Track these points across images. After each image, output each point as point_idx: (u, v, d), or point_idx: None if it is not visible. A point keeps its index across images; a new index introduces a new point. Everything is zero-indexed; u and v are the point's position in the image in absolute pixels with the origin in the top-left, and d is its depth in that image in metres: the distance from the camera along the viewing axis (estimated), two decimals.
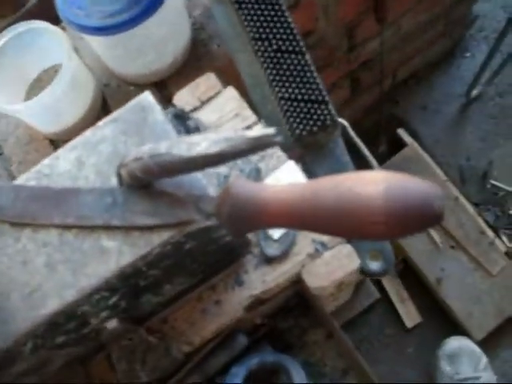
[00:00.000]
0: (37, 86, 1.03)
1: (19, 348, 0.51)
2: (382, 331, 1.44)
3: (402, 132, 1.50)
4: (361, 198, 0.41)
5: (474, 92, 1.50)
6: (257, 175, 0.66)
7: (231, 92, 0.70)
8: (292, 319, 0.71)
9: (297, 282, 0.64)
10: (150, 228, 0.48)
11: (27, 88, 1.03)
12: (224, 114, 0.68)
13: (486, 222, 1.41)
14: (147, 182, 0.48)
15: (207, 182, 0.48)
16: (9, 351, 0.50)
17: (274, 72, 0.69)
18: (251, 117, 0.68)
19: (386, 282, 1.44)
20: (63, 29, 0.90)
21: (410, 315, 1.45)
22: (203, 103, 0.70)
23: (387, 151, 1.50)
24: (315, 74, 0.69)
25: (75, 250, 0.49)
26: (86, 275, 0.49)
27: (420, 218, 0.40)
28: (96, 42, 0.92)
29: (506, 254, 1.38)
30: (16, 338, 0.49)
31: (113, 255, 0.48)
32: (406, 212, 0.40)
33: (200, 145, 0.43)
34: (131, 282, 0.52)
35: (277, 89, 0.69)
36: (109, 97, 0.87)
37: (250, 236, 0.63)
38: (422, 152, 1.48)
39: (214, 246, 0.56)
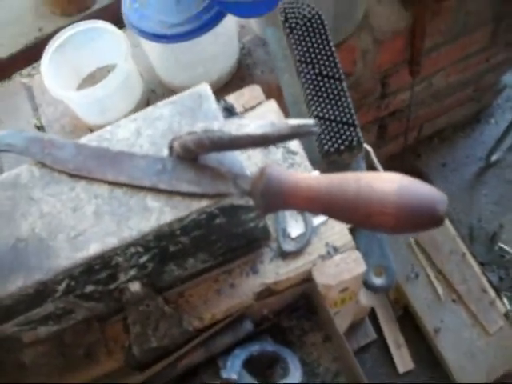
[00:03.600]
0: (89, 82, 1.12)
1: (54, 286, 0.57)
2: (374, 371, 1.47)
3: None
4: (377, 192, 0.48)
5: (494, 157, 1.57)
6: None
7: (272, 104, 0.77)
8: (295, 319, 0.77)
9: (306, 280, 0.70)
10: (191, 195, 0.55)
11: (80, 82, 1.11)
12: None
13: (490, 281, 1.46)
14: (195, 155, 0.55)
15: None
16: (45, 285, 0.56)
17: (313, 93, 0.77)
18: None
19: (384, 325, 1.48)
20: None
21: (403, 360, 1.48)
22: (246, 110, 0.77)
23: None
24: (349, 100, 0.77)
25: (122, 205, 0.56)
26: (128, 227, 0.55)
27: (425, 216, 0.47)
28: (152, 49, 1.01)
29: (505, 315, 1.42)
30: (56, 273, 0.55)
31: (154, 213, 0.55)
32: (413, 209, 0.47)
33: (248, 126, 0.50)
34: (163, 244, 0.58)
35: (313, 108, 0.77)
36: (152, 102, 0.95)
37: (271, 231, 0.69)
38: None
39: (240, 229, 0.63)
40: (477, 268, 1.46)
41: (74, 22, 1.04)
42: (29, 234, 0.57)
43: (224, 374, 0.67)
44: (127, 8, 0.96)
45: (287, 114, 0.82)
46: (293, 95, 0.82)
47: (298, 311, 0.77)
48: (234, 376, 0.66)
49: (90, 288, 0.60)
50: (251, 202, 0.58)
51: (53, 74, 0.98)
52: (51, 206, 0.57)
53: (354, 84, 1.30)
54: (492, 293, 1.44)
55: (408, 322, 1.46)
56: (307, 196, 0.50)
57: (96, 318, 0.68)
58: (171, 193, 0.55)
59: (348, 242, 0.69)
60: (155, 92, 1.12)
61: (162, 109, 0.60)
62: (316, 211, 0.51)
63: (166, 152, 0.57)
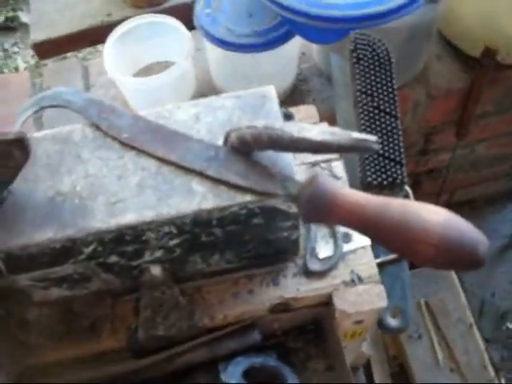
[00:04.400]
0: (144, 74, 1.14)
1: (81, 247, 0.57)
2: None
3: None
4: (423, 220, 0.48)
5: None
6: None
7: (325, 126, 0.78)
8: (302, 342, 0.75)
9: (324, 304, 0.69)
10: (237, 188, 0.55)
11: (136, 71, 1.13)
12: None
13: (491, 359, 1.43)
14: (249, 150, 0.56)
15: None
16: (73, 244, 0.56)
17: (367, 124, 0.77)
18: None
19: (377, 378, 1.45)
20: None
21: None
22: None
23: None
24: (400, 138, 0.77)
25: (166, 182, 0.56)
26: (168, 205, 0.55)
27: (465, 253, 0.47)
28: (213, 54, 1.02)
29: None
30: (87, 234, 0.55)
31: (197, 197, 0.55)
32: (455, 244, 0.47)
33: (310, 131, 0.51)
34: (197, 231, 0.58)
35: None
36: None
37: (299, 249, 0.68)
38: (453, 272, 1.52)
39: (273, 236, 0.63)
40: (481, 342, 1.44)
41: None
42: (69, 191, 0.57)
43: (223, 378, 0.66)
44: (199, 11, 0.99)
45: None
46: (346, 122, 0.82)
47: (307, 335, 0.76)
48: (232, 382, 0.65)
49: (113, 259, 0.60)
50: (293, 209, 0.57)
51: (113, 58, 1.00)
52: (97, 169, 0.58)
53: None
54: (491, 371, 1.41)
55: (402, 380, 1.44)
56: (352, 210, 0.50)
57: (109, 294, 0.68)
58: (218, 181, 0.55)
59: (374, 274, 0.69)
60: (205, 96, 1.13)
61: (225, 100, 0.61)
62: (358, 227, 0.51)
63: (220, 141, 0.57)
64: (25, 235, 0.55)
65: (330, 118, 0.89)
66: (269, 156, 0.56)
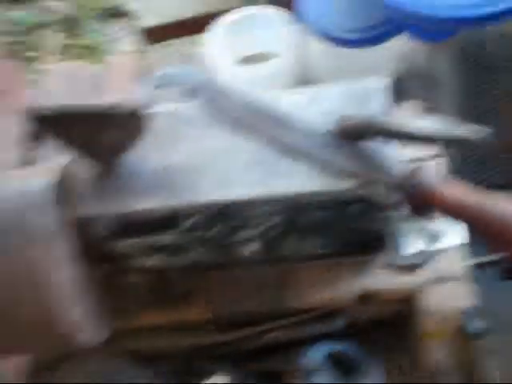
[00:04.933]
0: (245, 64, 1.16)
1: (185, 218, 0.60)
2: None
3: None
4: None
5: None
6: None
7: (435, 118, 0.77)
8: (384, 335, 0.76)
9: (409, 300, 0.69)
10: (342, 172, 0.57)
11: (237, 61, 1.16)
12: None
13: None
14: (357, 138, 0.57)
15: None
16: (178, 214, 0.59)
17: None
18: None
19: None
20: None
21: None
22: None
23: None
24: None
25: (274, 163, 0.59)
26: (274, 184, 0.58)
27: None
28: (316, 47, 1.03)
29: None
30: (192, 206, 0.58)
31: (302, 179, 0.58)
32: None
33: (420, 121, 0.52)
34: (297, 212, 0.60)
35: None
36: None
37: (389, 243, 0.69)
38: None
39: (369, 225, 0.64)
40: None
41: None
42: (180, 164, 0.60)
43: (305, 361, 0.68)
44: (305, 4, 1.00)
45: None
46: None
47: (390, 328, 0.76)
48: (313, 364, 0.67)
49: (212, 233, 0.63)
50: (391, 200, 0.59)
51: (217, 46, 1.03)
52: (208, 146, 0.61)
53: None
54: None
55: None
56: (455, 201, 0.51)
57: (203, 266, 0.71)
58: (324, 165, 0.57)
59: (461, 274, 0.69)
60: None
61: (333, 89, 0.62)
62: (460, 219, 0.52)
63: (328, 129, 0.59)
64: (134, 202, 0.60)
65: None
66: (375, 145, 0.57)
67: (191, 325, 0.73)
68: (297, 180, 0.57)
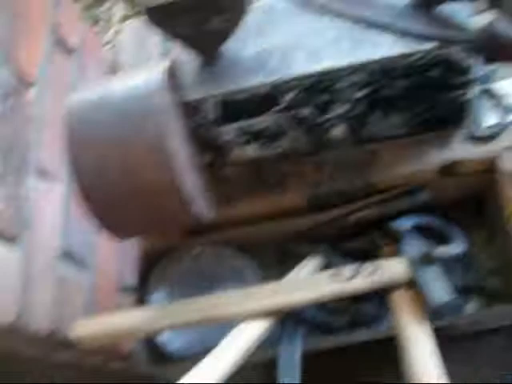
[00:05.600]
0: None
1: (282, 94, 0.67)
2: (501, 355, 1.43)
3: None
4: None
5: None
6: None
7: None
8: (462, 214, 0.82)
9: (489, 172, 0.75)
10: (422, 37, 0.63)
11: None
12: None
13: None
14: (432, 4, 0.64)
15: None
16: (276, 90, 0.67)
17: None
18: None
19: None
20: None
21: None
22: None
23: None
24: None
25: (359, 36, 0.66)
26: (361, 53, 0.65)
27: None
28: None
29: None
30: (289, 78, 0.66)
31: (386, 46, 0.64)
32: None
33: None
34: (382, 82, 0.67)
35: None
36: None
37: (467, 116, 0.75)
38: None
39: (446, 96, 0.70)
40: None
41: None
42: (274, 46, 0.68)
43: (394, 226, 0.74)
44: None
45: None
46: None
47: (470, 208, 0.82)
48: (403, 228, 0.73)
49: (305, 111, 0.70)
50: (467, 62, 0.64)
51: None
52: (298, 30, 0.69)
53: None
54: None
55: None
56: None
57: (295, 154, 0.78)
58: (405, 33, 0.64)
59: None
60: None
61: None
62: None
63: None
64: (238, 81, 0.67)
65: None
66: (450, 9, 0.63)
67: (286, 211, 0.80)
68: (382, 48, 0.63)
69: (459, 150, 0.75)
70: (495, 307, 0.76)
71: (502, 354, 1.42)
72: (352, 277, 0.70)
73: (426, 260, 0.69)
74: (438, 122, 0.74)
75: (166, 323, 0.74)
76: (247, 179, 0.80)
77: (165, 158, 0.63)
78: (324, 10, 0.68)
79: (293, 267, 0.79)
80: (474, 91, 0.76)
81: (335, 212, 0.79)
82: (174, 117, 0.66)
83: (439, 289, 0.66)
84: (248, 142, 0.76)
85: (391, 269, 0.70)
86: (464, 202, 0.82)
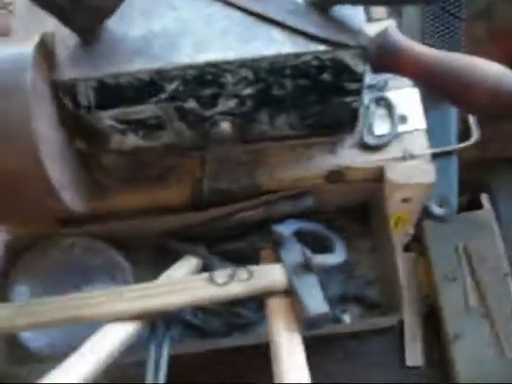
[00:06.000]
0: None
1: (165, 82, 0.63)
2: (380, 358, 1.47)
3: (484, 197, 1.57)
4: (480, 66, 0.52)
5: None
6: None
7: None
8: (349, 221, 0.81)
9: (376, 181, 0.74)
10: (313, 37, 0.60)
11: None
12: None
13: None
14: (327, 5, 0.61)
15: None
16: (159, 76, 0.62)
17: (431, 24, 0.81)
18: None
19: (407, 315, 1.48)
20: None
21: (414, 355, 1.47)
22: None
23: (465, 205, 1.57)
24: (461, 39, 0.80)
25: (248, 30, 0.62)
26: (249, 48, 0.61)
27: None
28: None
29: None
30: (173, 66, 0.61)
31: (276, 44, 0.61)
32: (508, 90, 0.51)
33: None
34: (271, 80, 0.63)
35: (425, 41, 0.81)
36: None
37: (358, 122, 0.73)
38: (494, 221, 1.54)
39: (337, 100, 0.68)
40: None
41: None
42: (160, 30, 0.63)
43: (276, 230, 0.71)
44: None
45: None
46: (410, 26, 0.86)
47: (355, 214, 0.81)
48: (284, 233, 0.71)
49: (190, 104, 0.66)
50: (360, 68, 0.62)
51: None
52: (186, 15, 0.64)
53: None
54: None
55: (431, 321, 1.46)
56: (418, 57, 0.55)
57: (179, 147, 0.74)
58: (296, 31, 0.61)
59: (425, 154, 0.73)
60: None
61: None
62: (421, 75, 0.56)
63: None
64: (117, 65, 0.62)
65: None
66: (344, 12, 0.61)
67: (167, 207, 0.76)
68: (272, 45, 0.60)
69: (348, 156, 0.73)
70: (373, 318, 0.76)
71: (384, 354, 1.45)
72: (227, 281, 0.67)
73: (305, 268, 0.67)
74: (329, 127, 0.72)
75: (26, 322, 0.68)
76: (127, 170, 0.75)
77: (29, 141, 0.57)
78: None
79: (170, 265, 0.75)
80: (367, 98, 0.75)
81: (218, 211, 0.75)
82: (43, 97, 0.60)
83: (315, 299, 0.64)
84: (129, 131, 0.70)
85: (268, 275, 0.68)
86: (350, 210, 0.81)
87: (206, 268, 0.76)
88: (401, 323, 1.46)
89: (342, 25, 0.60)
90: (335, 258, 0.71)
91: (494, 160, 1.56)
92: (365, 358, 1.40)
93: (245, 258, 0.74)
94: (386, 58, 0.56)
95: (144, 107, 0.66)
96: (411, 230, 0.90)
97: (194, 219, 0.77)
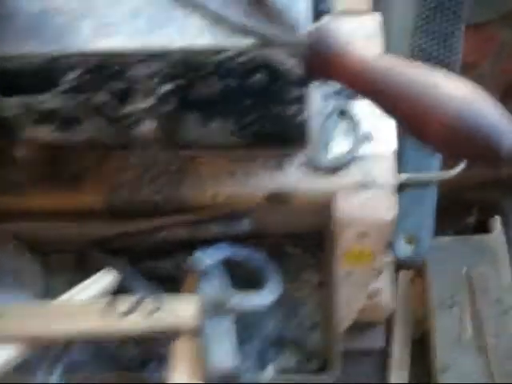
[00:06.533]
0: None
1: (66, 70, 0.51)
2: (364, 380, 1.37)
3: (494, 219, 1.42)
4: (440, 89, 0.39)
5: None
6: None
7: (375, 20, 0.68)
8: (300, 250, 0.69)
9: (327, 207, 0.61)
10: (238, 28, 0.47)
11: None
12: None
13: None
14: None
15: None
16: (57, 63, 0.50)
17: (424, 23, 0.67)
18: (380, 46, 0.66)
19: (396, 339, 1.37)
20: None
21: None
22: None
23: (473, 226, 1.43)
24: (459, 45, 0.66)
25: (163, 12, 0.50)
26: (160, 35, 0.49)
27: (483, 143, 0.38)
28: None
29: None
30: (71, 53, 0.50)
31: (192, 32, 0.49)
32: (473, 126, 0.38)
33: None
34: (191, 76, 0.51)
35: (417, 40, 0.67)
36: None
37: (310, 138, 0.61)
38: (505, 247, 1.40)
39: (278, 109, 0.55)
40: None
41: None
42: (59, 8, 0.52)
43: (198, 255, 0.60)
44: None
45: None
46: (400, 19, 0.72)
47: (307, 243, 0.69)
48: (209, 260, 0.59)
49: (102, 97, 0.55)
50: (298, 70, 0.49)
51: None
52: None
53: (474, 78, 1.17)
54: None
55: (421, 347, 1.34)
56: (361, 63, 0.42)
57: (99, 145, 0.63)
58: (218, 18, 0.48)
59: (389, 183, 0.60)
60: None
61: None
62: (362, 90, 0.43)
63: None
64: (7, 45, 0.51)
65: None
66: (281, 1, 0.48)
67: (84, 212, 0.65)
68: (187, 32, 0.48)
69: (295, 177, 0.61)
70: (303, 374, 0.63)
71: None
72: (128, 312, 0.55)
73: (220, 308, 0.55)
74: (273, 140, 0.59)
75: None
76: (41, 167, 0.64)
77: None
78: None
79: (91, 275, 0.64)
80: (327, 108, 0.62)
81: (141, 224, 0.64)
82: None
83: (223, 349, 0.53)
84: (40, 122, 0.59)
85: (177, 310, 0.56)
86: (302, 237, 0.68)
87: (123, 285, 0.64)
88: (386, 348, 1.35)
89: (278, 15, 0.47)
90: (262, 298, 0.58)
91: (509, 179, 1.41)
92: None
93: (170, 279, 0.65)
94: (316, 62, 0.43)
95: (49, 96, 0.55)
96: (381, 266, 0.76)
97: (115, 230, 0.65)
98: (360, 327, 1.31)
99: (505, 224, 1.42)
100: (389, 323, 1.38)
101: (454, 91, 0.40)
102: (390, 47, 0.73)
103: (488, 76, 1.15)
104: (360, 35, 0.65)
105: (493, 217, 1.43)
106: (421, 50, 0.68)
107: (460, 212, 1.45)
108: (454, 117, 0.39)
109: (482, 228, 1.42)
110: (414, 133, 0.42)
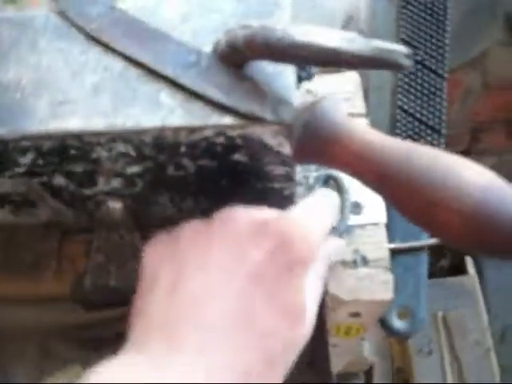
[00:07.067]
0: None
1: (17, 154, 0.45)
2: None
3: (468, 260, 1.41)
4: (456, 178, 0.34)
5: None
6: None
7: (353, 76, 0.64)
8: None
9: None
10: (215, 105, 0.42)
11: None
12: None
13: None
14: (241, 60, 0.43)
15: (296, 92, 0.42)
16: (6, 147, 0.44)
17: (405, 80, 0.63)
18: (360, 107, 0.62)
19: None
20: None
21: None
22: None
23: (446, 269, 1.41)
24: (444, 103, 0.63)
25: (129, 88, 0.44)
26: (125, 115, 0.43)
27: (503, 237, 0.33)
28: None
29: None
30: (22, 135, 0.43)
31: (163, 111, 0.43)
32: (493, 221, 0.33)
33: (319, 35, 0.37)
34: (162, 159, 0.45)
35: (399, 97, 0.63)
36: None
37: None
38: (478, 289, 1.38)
39: (260, 185, 0.50)
40: (496, 371, 1.29)
41: None
42: (12, 83, 0.45)
43: None
44: None
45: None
46: (379, 77, 0.68)
47: None
48: None
49: (60, 180, 0.48)
50: (285, 148, 0.44)
51: None
52: (51, 62, 0.46)
53: None
54: None
55: None
56: (363, 151, 0.37)
57: (59, 228, 0.56)
58: (193, 94, 0.43)
59: (383, 258, 0.55)
60: None
61: (225, 2, 0.48)
62: (367, 177, 0.38)
63: (206, 49, 0.45)
64: None
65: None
66: (265, 72, 0.43)
67: (46, 299, 0.58)
68: (156, 111, 0.42)
69: None
70: None
71: None
72: None
73: None
74: None
75: None
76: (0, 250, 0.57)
77: None
78: (93, 42, 0.45)
79: (56, 369, 0.57)
80: (312, 176, 0.57)
81: (107, 313, 0.57)
82: None
83: None
84: None
85: None
86: None
87: None
88: None
89: (259, 90, 0.42)
90: None
91: None
92: None
93: None
94: (310, 145, 0.38)
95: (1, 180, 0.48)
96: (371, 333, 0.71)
97: (81, 319, 0.58)
98: (339, 377, 1.25)
99: (478, 266, 1.41)
100: (368, 373, 1.32)
101: (473, 176, 0.35)
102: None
103: (456, 121, 1.13)
104: (340, 94, 0.61)
105: (465, 258, 1.41)
106: (401, 108, 0.64)
107: (433, 255, 1.42)
108: (475, 207, 0.34)
109: (456, 270, 1.40)
110: (422, 225, 0.37)
